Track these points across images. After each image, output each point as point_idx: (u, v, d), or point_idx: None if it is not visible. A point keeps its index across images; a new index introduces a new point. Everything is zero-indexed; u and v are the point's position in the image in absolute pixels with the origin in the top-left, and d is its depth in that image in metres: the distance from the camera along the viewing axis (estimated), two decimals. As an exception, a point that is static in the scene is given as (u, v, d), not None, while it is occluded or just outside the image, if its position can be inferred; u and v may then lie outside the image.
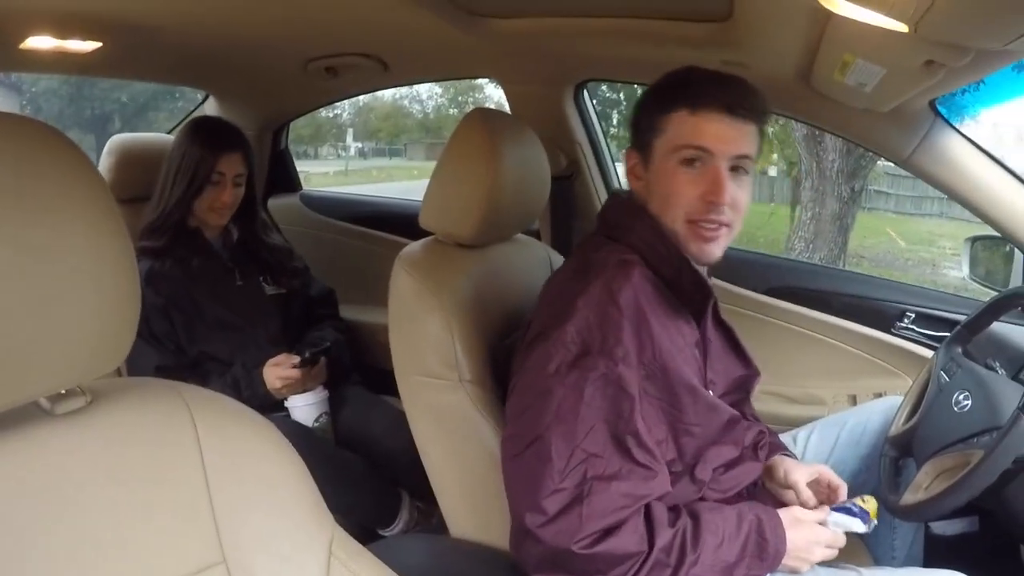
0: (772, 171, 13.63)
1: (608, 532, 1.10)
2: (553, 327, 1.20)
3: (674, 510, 1.20)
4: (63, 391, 0.75)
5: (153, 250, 2.00)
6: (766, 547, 1.18)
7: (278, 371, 1.95)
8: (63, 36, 1.89)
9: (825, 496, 1.35)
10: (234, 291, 2.09)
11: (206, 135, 2.05)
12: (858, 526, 1.27)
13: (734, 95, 1.22)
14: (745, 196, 1.26)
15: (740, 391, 1.47)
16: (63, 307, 0.68)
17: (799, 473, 1.35)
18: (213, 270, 2.08)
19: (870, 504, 1.30)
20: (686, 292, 1.28)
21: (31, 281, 0.66)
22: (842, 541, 1.27)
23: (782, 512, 1.24)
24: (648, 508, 1.15)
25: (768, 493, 1.39)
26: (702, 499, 1.27)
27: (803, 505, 1.32)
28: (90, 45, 1.99)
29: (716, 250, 1.26)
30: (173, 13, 1.82)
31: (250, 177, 2.15)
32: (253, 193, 2.22)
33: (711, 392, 1.34)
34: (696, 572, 1.12)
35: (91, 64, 2.21)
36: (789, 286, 2.21)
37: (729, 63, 1.74)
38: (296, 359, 1.97)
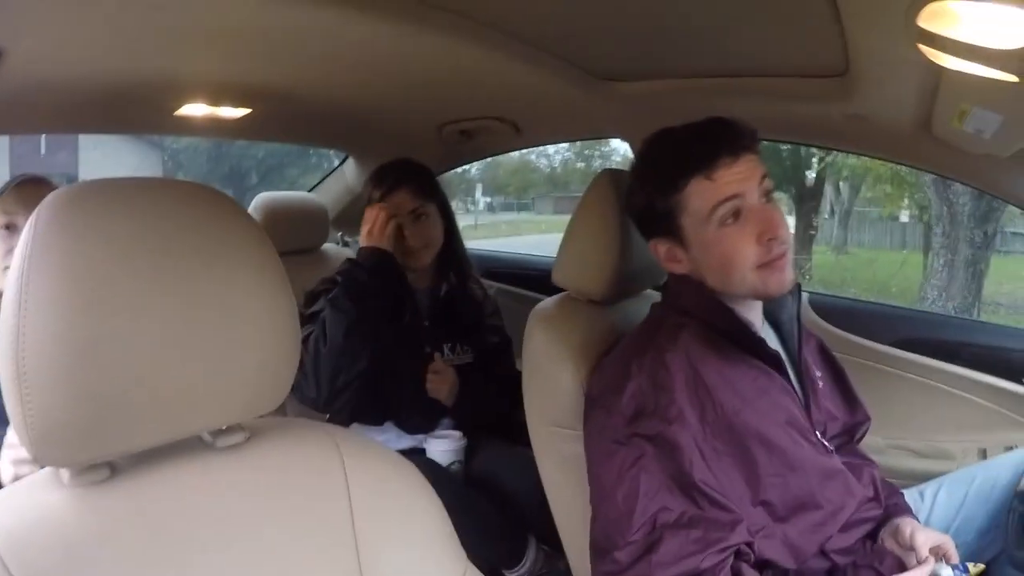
0: (904, 216, 13.08)
1: None
2: (610, 392, 1.26)
3: (768, 567, 1.21)
4: (224, 427, 0.83)
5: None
6: None
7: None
8: (215, 103, 2.03)
9: None
10: (423, 359, 2.03)
11: (370, 188, 2.03)
12: (948, 572, 1.25)
13: (729, 138, 1.23)
14: (784, 217, 1.27)
15: (847, 434, 1.46)
16: (230, 350, 0.77)
17: (924, 536, 1.30)
18: (414, 332, 2.04)
19: (975, 569, 1.28)
20: (745, 340, 1.28)
21: (202, 327, 0.75)
22: None
23: None
24: (738, 569, 1.15)
25: (885, 551, 1.35)
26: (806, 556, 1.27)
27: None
28: (240, 111, 2.13)
29: (791, 273, 1.26)
30: (317, 81, 1.94)
31: (446, 212, 2.08)
32: (454, 236, 2.13)
33: (819, 433, 1.34)
34: None
35: (240, 129, 2.36)
36: (916, 337, 2.15)
37: (849, 116, 1.76)
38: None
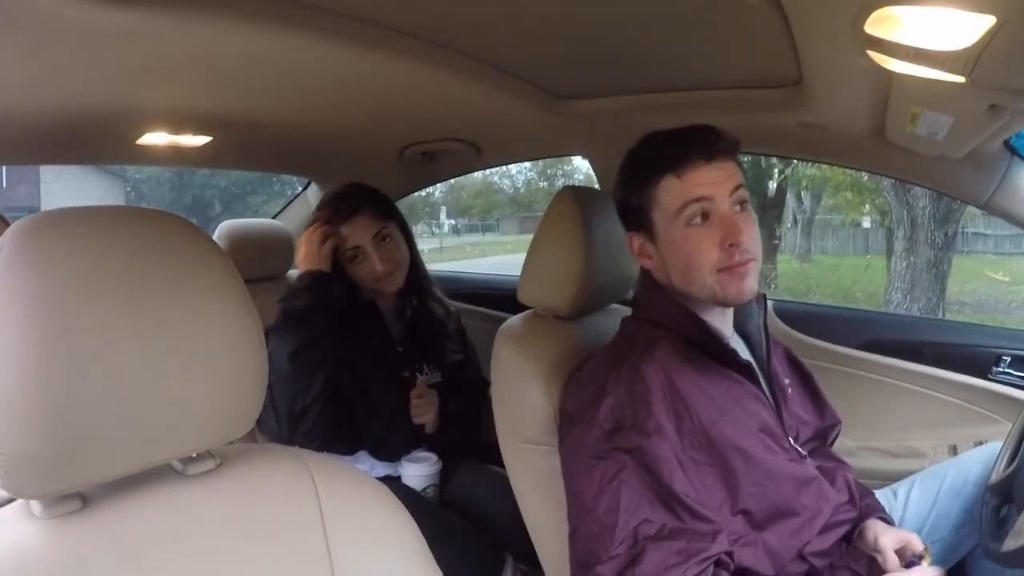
0: (866, 222, 13.29)
1: None
2: (588, 406, 1.26)
3: (747, 574, 1.21)
4: (195, 454, 0.83)
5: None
6: None
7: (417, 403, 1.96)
8: (176, 132, 2.02)
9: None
10: (401, 384, 2.01)
11: (328, 214, 1.95)
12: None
13: (706, 142, 1.26)
14: (755, 228, 1.29)
15: (819, 438, 1.48)
16: (198, 377, 0.77)
17: (888, 538, 1.32)
18: (387, 357, 2.01)
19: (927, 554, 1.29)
20: (717, 351, 1.30)
21: (169, 355, 0.75)
22: None
23: None
24: None
25: (860, 552, 1.36)
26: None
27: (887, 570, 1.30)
28: (201, 140, 2.13)
29: (752, 284, 1.28)
30: (278, 108, 1.94)
31: (405, 231, 2.04)
32: (415, 254, 2.08)
33: (791, 438, 1.36)
34: None
35: (201, 157, 2.35)
36: (881, 339, 2.18)
37: (805, 124, 1.79)
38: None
